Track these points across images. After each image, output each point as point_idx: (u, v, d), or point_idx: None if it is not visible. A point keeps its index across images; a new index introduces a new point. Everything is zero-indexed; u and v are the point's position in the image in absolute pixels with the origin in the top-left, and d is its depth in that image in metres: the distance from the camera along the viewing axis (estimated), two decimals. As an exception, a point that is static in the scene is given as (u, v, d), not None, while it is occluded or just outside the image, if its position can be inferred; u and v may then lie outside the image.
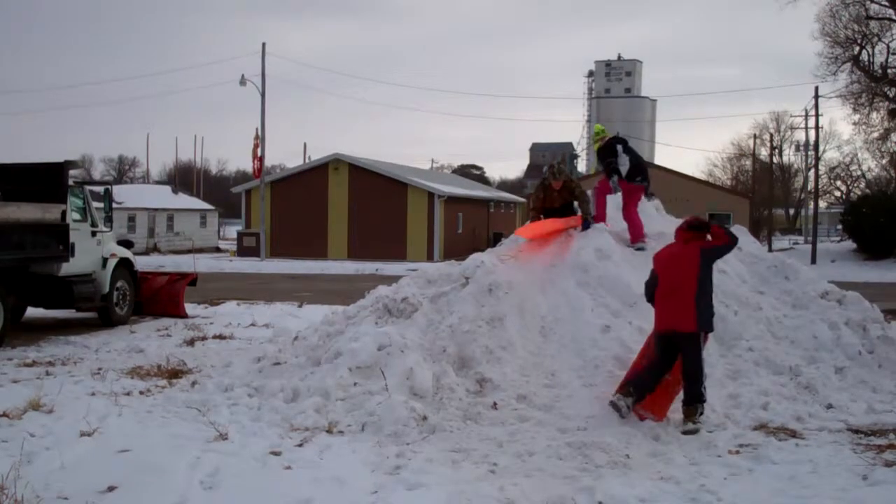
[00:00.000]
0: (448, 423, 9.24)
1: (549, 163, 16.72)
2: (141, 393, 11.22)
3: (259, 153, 50.31)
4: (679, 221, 14.33)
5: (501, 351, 10.60)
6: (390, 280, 13.09)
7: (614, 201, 13.76)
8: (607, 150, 13.75)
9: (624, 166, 13.52)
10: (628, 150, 13.57)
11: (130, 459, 8.29)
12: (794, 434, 9.15)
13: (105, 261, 18.57)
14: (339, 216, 51.23)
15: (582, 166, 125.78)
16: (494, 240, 41.95)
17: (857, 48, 51.52)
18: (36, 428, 9.31)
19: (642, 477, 7.78)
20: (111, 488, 7.44)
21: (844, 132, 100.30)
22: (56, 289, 17.41)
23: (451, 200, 51.92)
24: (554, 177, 13.09)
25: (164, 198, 65.42)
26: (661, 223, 14.06)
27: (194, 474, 7.83)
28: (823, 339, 11.41)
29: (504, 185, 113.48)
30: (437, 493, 7.50)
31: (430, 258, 46.74)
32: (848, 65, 51.74)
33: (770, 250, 17.08)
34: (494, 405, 9.62)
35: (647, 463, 8.21)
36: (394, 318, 11.48)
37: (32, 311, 19.12)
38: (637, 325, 10.87)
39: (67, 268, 17.31)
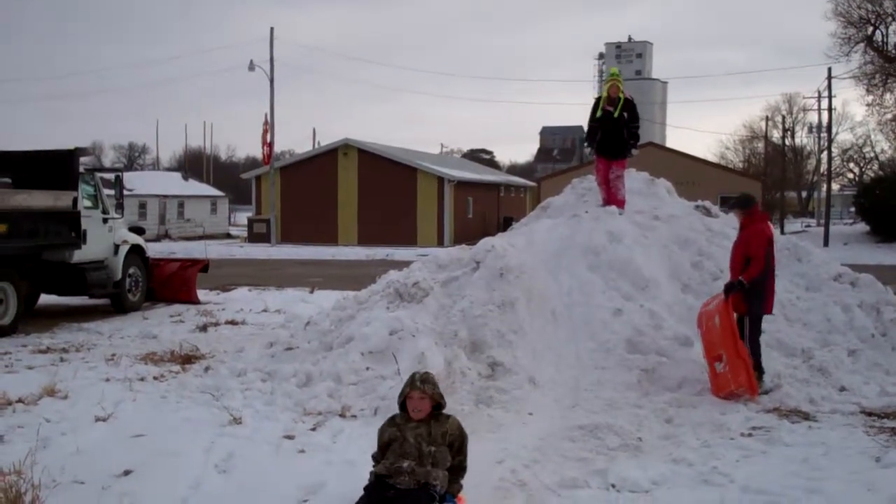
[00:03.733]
0: (460, 407, 9.26)
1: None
2: (155, 378, 11.27)
3: (268, 139, 50.35)
4: (689, 204, 14.36)
5: (513, 335, 10.62)
6: (401, 265, 13.11)
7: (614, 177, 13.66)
8: (632, 110, 13.64)
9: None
10: None
11: (145, 444, 8.35)
12: (806, 416, 9.16)
13: (117, 247, 18.63)
14: (349, 201, 51.23)
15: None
16: (505, 224, 41.96)
17: (871, 28, 51.22)
18: (51, 413, 9.37)
19: (655, 459, 7.80)
20: (127, 472, 7.50)
21: (857, 114, 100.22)
22: (69, 276, 17.49)
23: (462, 185, 51.89)
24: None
25: (175, 184, 65.52)
26: (672, 206, 14.05)
27: (209, 458, 7.88)
28: (836, 321, 11.39)
29: (514, 170, 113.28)
30: (450, 476, 7.53)
31: (440, 243, 46.74)
32: (861, 45, 51.45)
33: (782, 233, 17.04)
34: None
35: (659, 445, 8.23)
36: (405, 302, 11.49)
37: (46, 299, 19.20)
38: (649, 309, 10.88)
39: (80, 255, 17.37)
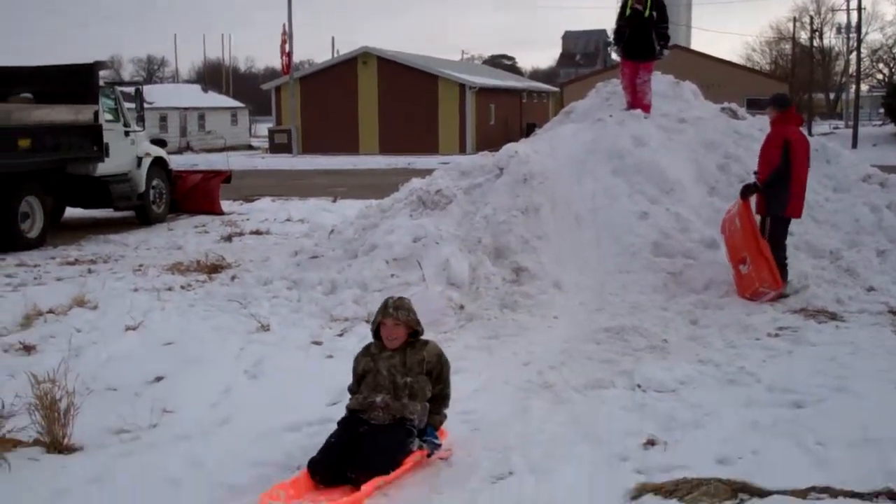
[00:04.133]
0: (485, 312, 9.31)
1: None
2: (182, 288, 11.37)
3: (287, 49, 49.93)
4: (715, 106, 14.18)
5: (537, 240, 10.60)
6: (423, 173, 13.06)
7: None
8: (662, 9, 13.40)
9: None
10: None
11: (175, 351, 8.45)
12: (833, 316, 9.14)
13: (139, 160, 18.68)
14: (370, 110, 50.95)
15: (617, 57, 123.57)
16: (528, 130, 41.66)
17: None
18: (82, 323, 9.48)
19: (680, 360, 7.83)
20: (158, 379, 7.60)
21: (888, 13, 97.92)
22: (93, 189, 17.59)
23: (483, 91, 51.43)
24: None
25: (195, 97, 65.23)
26: (698, 109, 13.88)
27: (238, 364, 7.98)
28: (865, 222, 11.31)
29: (536, 75, 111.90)
30: (476, 379, 7.60)
31: (462, 151, 46.50)
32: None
33: (810, 135, 16.78)
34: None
35: (685, 346, 8.25)
36: (428, 210, 11.47)
37: (71, 212, 19.33)
38: (675, 212, 10.82)
39: (103, 168, 17.43)
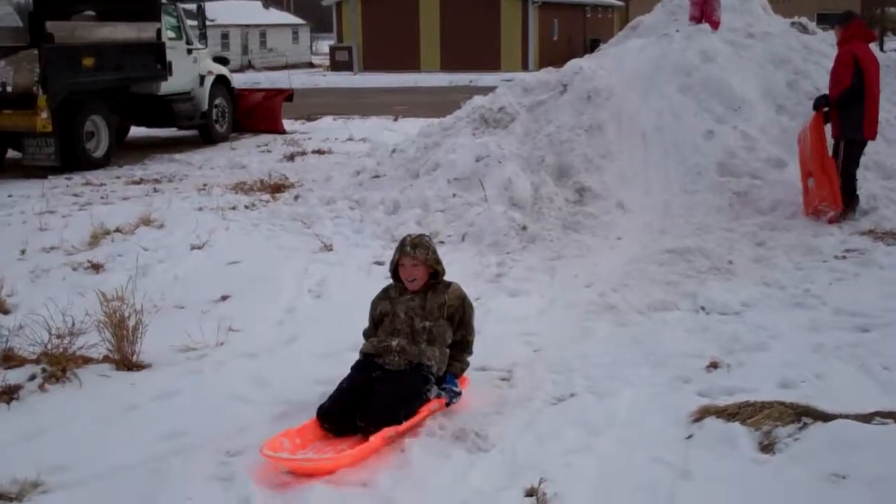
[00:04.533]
0: (547, 233, 9.27)
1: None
2: (246, 207, 11.46)
3: (349, -36, 49.40)
4: (785, 21, 13.81)
5: (601, 159, 10.49)
6: (485, 91, 12.94)
7: None
8: None
9: None
10: None
11: (240, 270, 8.56)
12: (903, 238, 8.97)
13: (202, 78, 18.73)
14: (431, 27, 50.41)
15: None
16: (592, 46, 41.02)
17: None
18: (148, 242, 9.61)
19: (745, 282, 7.75)
20: (224, 297, 7.71)
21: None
22: (156, 107, 17.72)
23: (546, 6, 50.54)
24: None
25: (256, 14, 64.96)
26: (767, 23, 13.52)
27: (302, 283, 8.06)
28: (937, 140, 11.01)
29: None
30: (539, 300, 7.61)
31: (524, 68, 45.95)
32: None
33: (882, 50, 16.32)
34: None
35: (750, 268, 8.16)
36: (491, 128, 11.39)
37: (136, 131, 19.51)
38: (742, 130, 10.61)
39: (166, 86, 17.53)
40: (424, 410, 5.22)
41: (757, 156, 10.42)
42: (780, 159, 10.29)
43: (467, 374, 5.79)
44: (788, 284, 7.65)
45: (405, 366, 5.36)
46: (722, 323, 6.82)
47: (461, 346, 5.66)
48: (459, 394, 5.51)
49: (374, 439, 4.85)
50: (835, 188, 9.30)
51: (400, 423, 5.00)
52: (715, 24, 12.89)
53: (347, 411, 5.06)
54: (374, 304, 5.72)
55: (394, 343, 5.41)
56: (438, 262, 5.60)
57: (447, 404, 5.40)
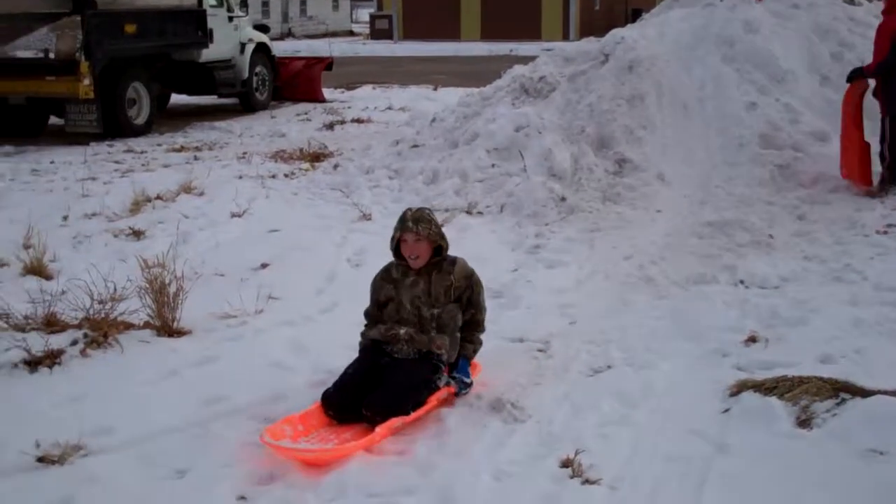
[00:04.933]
0: (587, 204, 9.24)
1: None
2: (286, 176, 11.52)
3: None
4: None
5: (641, 130, 10.42)
6: (525, 60, 12.88)
7: None
8: None
9: None
10: None
11: (280, 239, 8.61)
12: (947, 213, 8.84)
13: (243, 46, 18.79)
14: (472, -6, 50.15)
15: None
16: (633, 16, 40.58)
17: None
18: (189, 210, 9.69)
19: (786, 256, 7.69)
20: (264, 265, 7.76)
21: None
22: (197, 75, 17.81)
23: (587, -24, 50.16)
24: None
25: (298, -19, 64.92)
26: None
27: (341, 252, 8.10)
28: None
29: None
30: (577, 271, 7.60)
31: (565, 37, 45.63)
32: None
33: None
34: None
35: (790, 242, 8.09)
36: (531, 98, 11.35)
37: (176, 99, 19.61)
38: (785, 102, 10.49)
39: (207, 54, 17.59)
40: (433, 400, 5.05)
41: (800, 128, 10.31)
42: (823, 132, 10.17)
43: (492, 351, 5.74)
44: (829, 258, 7.58)
45: (414, 354, 5.16)
46: (761, 297, 6.78)
47: (472, 326, 5.36)
48: (470, 384, 5.26)
49: (381, 429, 4.70)
50: (863, 164, 9.21)
51: (407, 413, 4.85)
52: (760, -7, 12.73)
53: (353, 398, 4.90)
54: (377, 285, 5.40)
55: (402, 332, 5.17)
56: (442, 236, 5.28)
57: (456, 394, 5.18)
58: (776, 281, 7.09)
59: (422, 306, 5.21)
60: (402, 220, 5.18)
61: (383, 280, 5.37)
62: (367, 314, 5.43)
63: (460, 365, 5.25)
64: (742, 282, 7.11)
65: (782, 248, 7.92)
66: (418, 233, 5.12)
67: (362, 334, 5.38)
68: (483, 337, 5.45)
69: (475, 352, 5.39)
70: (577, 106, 10.87)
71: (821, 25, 12.00)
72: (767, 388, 5.05)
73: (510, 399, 5.07)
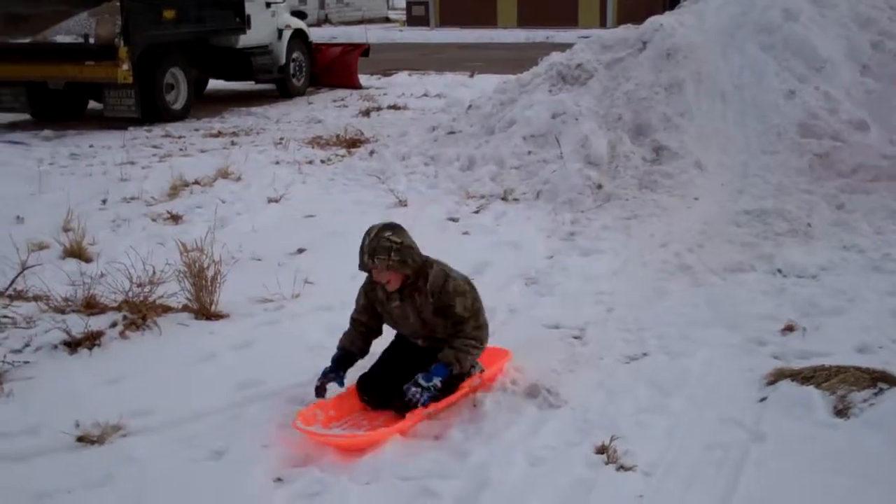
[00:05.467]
0: (623, 191, 9.20)
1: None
2: (322, 162, 11.57)
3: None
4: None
5: (679, 118, 10.35)
6: (561, 47, 12.83)
7: None
8: None
9: None
10: None
11: (317, 224, 8.66)
12: None
13: (280, 32, 18.84)
14: (509, -19, 49.97)
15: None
16: (671, 3, 40.32)
17: None
18: (226, 195, 9.76)
19: (824, 245, 7.63)
20: (300, 250, 7.82)
21: None
22: (235, 61, 17.88)
23: (625, -37, 49.84)
24: None
25: (334, -32, 65.00)
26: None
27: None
28: None
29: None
30: (612, 259, 7.59)
31: (602, 24, 45.38)
32: None
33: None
34: None
35: (829, 232, 8.02)
36: (568, 85, 11.30)
37: (214, 84, 19.71)
38: (824, 91, 10.38)
39: (245, 40, 17.67)
40: (465, 387, 5.01)
41: (839, 117, 10.19)
42: (862, 121, 10.05)
43: (527, 337, 5.79)
44: (868, 248, 7.52)
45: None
46: (799, 286, 6.75)
47: (453, 333, 4.90)
48: (435, 391, 4.80)
49: (411, 416, 4.72)
50: None
51: (438, 401, 4.80)
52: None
53: (387, 384, 4.89)
54: (366, 293, 5.10)
55: (419, 342, 5.04)
56: (404, 264, 4.75)
57: (423, 403, 4.78)
58: (814, 270, 7.04)
59: (424, 339, 4.99)
60: (360, 251, 4.78)
61: (369, 293, 5.08)
62: (352, 318, 5.17)
63: (434, 369, 4.83)
64: (780, 271, 7.07)
65: (820, 237, 7.86)
66: (377, 266, 4.74)
67: (341, 341, 5.13)
68: (479, 345, 4.95)
69: (458, 359, 4.85)
70: (615, 93, 10.82)
71: (861, 14, 11.85)
72: (805, 377, 5.03)
73: (545, 385, 5.07)
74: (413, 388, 4.78)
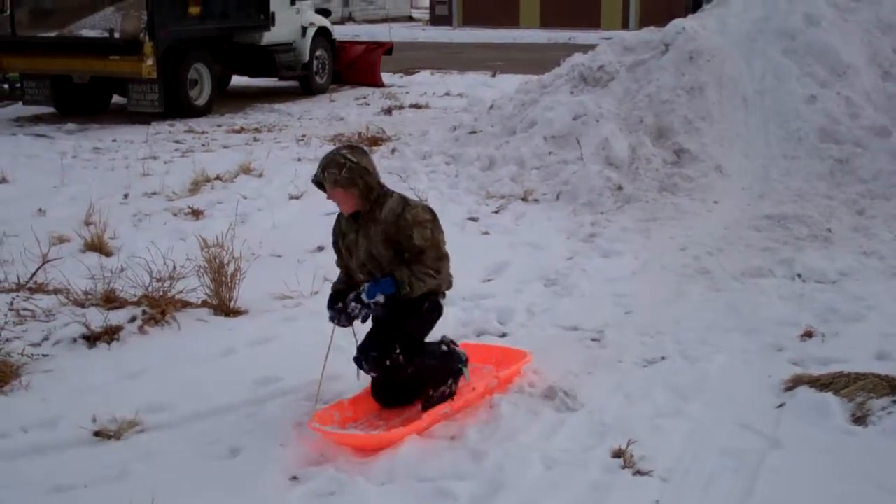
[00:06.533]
0: (643, 194, 9.18)
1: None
2: (344, 159, 11.57)
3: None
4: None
5: (700, 121, 10.32)
6: (583, 49, 12.82)
7: None
8: None
9: None
10: None
11: (336, 222, 8.66)
12: None
13: (304, 30, 18.88)
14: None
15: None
16: (694, 6, 40.18)
17: None
18: (248, 191, 9.80)
19: (844, 251, 7.59)
20: (320, 248, 7.82)
21: None
22: (259, 58, 17.94)
23: (649, -36, 49.71)
24: None
25: (358, -35, 65.04)
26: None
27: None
28: None
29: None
30: (632, 261, 7.57)
31: (624, 26, 45.25)
32: None
33: None
34: None
35: (849, 237, 7.98)
36: (589, 87, 11.29)
37: (237, 80, 19.77)
38: (845, 96, 10.33)
39: (269, 37, 17.73)
40: (482, 388, 5.02)
41: (860, 123, 10.14)
42: (884, 127, 9.99)
43: (545, 339, 5.79)
44: (888, 254, 7.47)
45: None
46: (818, 291, 6.72)
47: (413, 266, 4.62)
48: (376, 308, 4.61)
49: (428, 416, 4.74)
50: None
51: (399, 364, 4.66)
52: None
53: (400, 385, 4.90)
54: (333, 230, 4.98)
55: (360, 277, 4.78)
56: (352, 182, 4.52)
57: (363, 319, 4.69)
58: (834, 276, 7.01)
59: (374, 270, 4.69)
60: (318, 167, 4.63)
61: (335, 231, 4.95)
62: (336, 263, 5.07)
63: (381, 282, 4.58)
64: (799, 276, 7.04)
65: (840, 242, 7.82)
66: (326, 179, 4.55)
67: (333, 285, 5.03)
68: (436, 275, 4.69)
69: (410, 283, 4.57)
70: (636, 96, 10.80)
71: (883, 20, 11.78)
72: (823, 383, 5.01)
73: (563, 387, 5.07)
74: (353, 304, 4.59)
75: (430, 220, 4.67)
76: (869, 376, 5.02)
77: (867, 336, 5.83)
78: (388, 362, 4.67)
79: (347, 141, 12.76)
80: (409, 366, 4.73)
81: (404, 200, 4.68)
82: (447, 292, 4.94)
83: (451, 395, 4.92)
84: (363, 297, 4.56)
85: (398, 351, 4.67)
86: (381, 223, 4.59)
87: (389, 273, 4.58)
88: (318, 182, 4.65)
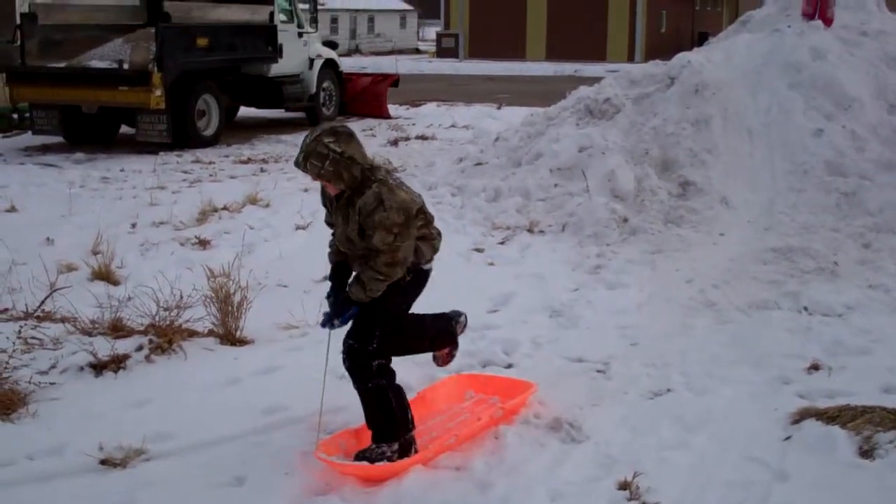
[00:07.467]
0: (649, 226, 9.20)
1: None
2: (350, 189, 11.60)
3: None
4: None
5: (706, 154, 10.35)
6: (589, 81, 12.88)
7: None
8: None
9: None
10: None
11: (342, 252, 8.68)
12: None
13: (311, 61, 19.02)
14: (538, 15, 50.13)
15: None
16: (700, 40, 40.37)
17: None
18: (254, 221, 9.83)
19: (850, 284, 7.59)
20: (326, 278, 7.83)
21: None
22: (266, 89, 18.05)
23: (655, -2, 49.98)
24: None
25: (372, -2, 65.55)
26: (881, 21, 13.15)
27: (403, 267, 8.15)
28: None
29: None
30: (637, 293, 7.57)
31: (630, 59, 45.48)
32: None
33: None
34: None
35: (855, 270, 7.98)
36: (595, 119, 11.33)
37: (244, 112, 19.87)
38: (851, 130, 10.36)
39: (276, 68, 17.85)
40: (487, 418, 5.05)
41: (866, 156, 10.17)
42: (890, 161, 10.01)
43: (551, 370, 5.79)
44: (894, 288, 7.47)
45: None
46: (825, 324, 6.72)
47: (368, 257, 4.55)
48: (329, 323, 4.72)
49: (434, 446, 4.76)
50: None
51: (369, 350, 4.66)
52: (828, 21, 12.56)
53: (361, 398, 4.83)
54: (322, 195, 4.87)
55: (339, 248, 4.81)
56: (337, 176, 4.43)
57: (325, 324, 4.75)
58: (840, 309, 7.01)
59: (349, 252, 4.70)
60: (300, 149, 4.55)
61: (323, 193, 4.81)
62: (326, 221, 4.99)
63: (344, 316, 4.68)
64: (806, 309, 7.03)
65: (847, 275, 7.82)
66: (308, 171, 4.45)
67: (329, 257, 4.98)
68: (383, 278, 4.56)
69: (365, 294, 4.58)
70: (642, 128, 10.84)
71: (889, 54, 11.84)
72: (830, 416, 5.00)
73: (568, 419, 5.07)
74: (329, 324, 4.73)
75: (399, 225, 4.44)
76: (876, 409, 5.01)
77: (874, 369, 5.83)
78: (361, 359, 4.67)
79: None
80: (378, 377, 4.69)
81: (380, 198, 4.42)
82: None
83: (390, 458, 4.66)
84: (336, 322, 4.67)
85: (375, 344, 4.65)
86: (356, 213, 4.48)
87: (346, 294, 4.63)
88: (298, 167, 4.56)
